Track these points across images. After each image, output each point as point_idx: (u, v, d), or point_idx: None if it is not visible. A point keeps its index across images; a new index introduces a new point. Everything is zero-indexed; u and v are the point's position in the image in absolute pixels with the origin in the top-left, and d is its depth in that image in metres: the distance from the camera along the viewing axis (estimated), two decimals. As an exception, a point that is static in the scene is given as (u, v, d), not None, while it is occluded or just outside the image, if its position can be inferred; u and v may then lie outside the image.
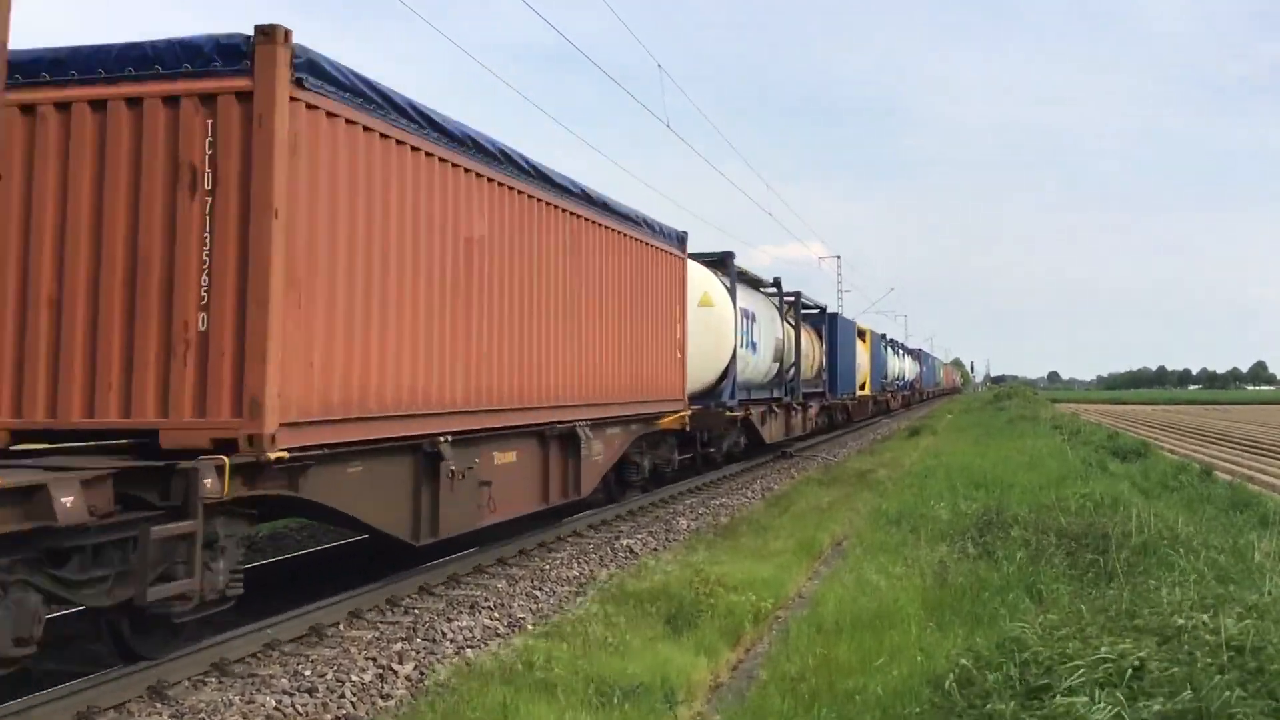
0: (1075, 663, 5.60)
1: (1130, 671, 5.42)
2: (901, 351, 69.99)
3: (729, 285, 21.79)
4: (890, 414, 60.56)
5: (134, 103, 7.79)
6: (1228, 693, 5.08)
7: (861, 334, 45.44)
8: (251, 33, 7.67)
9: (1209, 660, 5.44)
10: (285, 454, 7.62)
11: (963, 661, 6.13)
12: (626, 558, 12.97)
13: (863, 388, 44.08)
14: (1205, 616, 6.15)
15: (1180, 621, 6.08)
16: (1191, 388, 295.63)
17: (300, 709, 6.99)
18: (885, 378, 54.91)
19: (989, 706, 5.39)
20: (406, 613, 9.79)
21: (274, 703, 7.06)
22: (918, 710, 5.95)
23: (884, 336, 57.55)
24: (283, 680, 7.57)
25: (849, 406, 40.63)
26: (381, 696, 7.36)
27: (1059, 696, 5.29)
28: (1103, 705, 5.06)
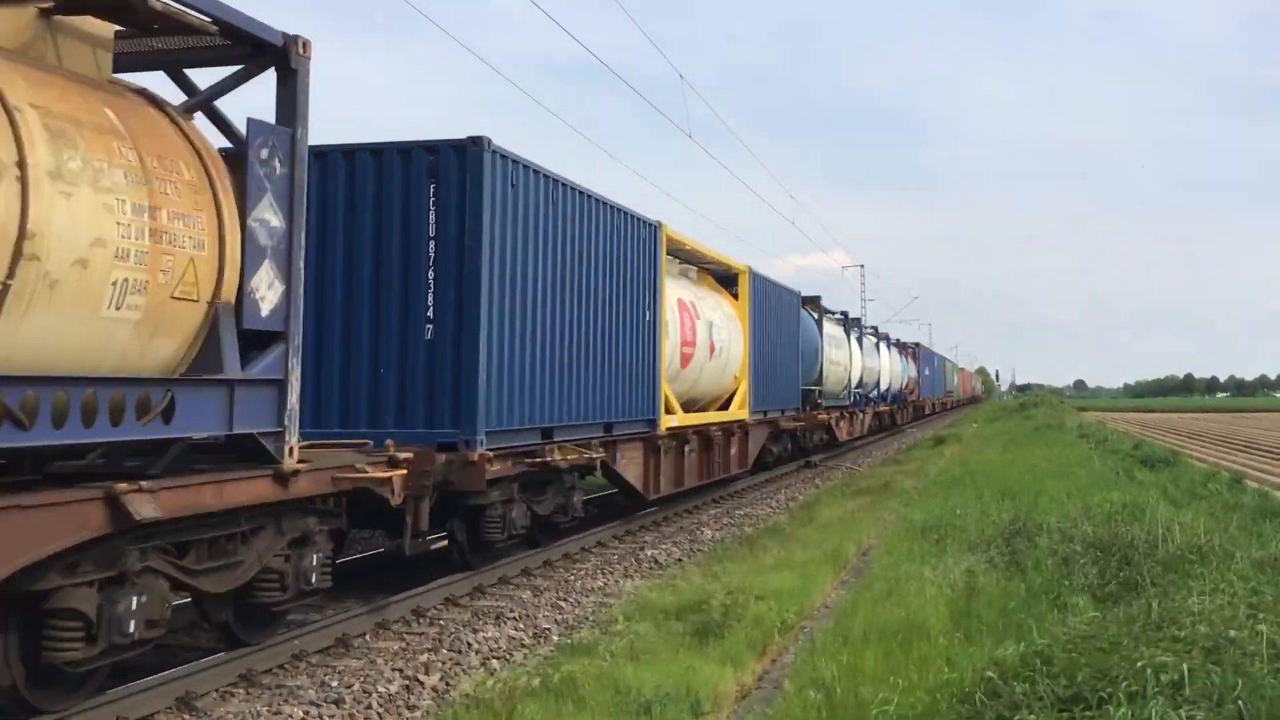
0: (1111, 673, 5.55)
1: (1169, 682, 5.37)
2: (877, 343, 42.87)
3: None
4: (835, 450, 33.65)
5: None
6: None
7: (726, 280, 22.01)
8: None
9: (1260, 670, 5.38)
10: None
11: (989, 673, 6.09)
12: (651, 568, 12.96)
13: (722, 403, 20.70)
14: (1251, 626, 6.09)
15: (1231, 633, 6.01)
16: (1219, 395, 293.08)
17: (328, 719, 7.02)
18: (822, 382, 29.42)
19: (1018, 718, 5.35)
20: (432, 624, 9.81)
21: (301, 713, 7.08)
22: (945, 722, 5.90)
23: (814, 301, 30.36)
24: (310, 691, 7.60)
25: (585, 462, 13.36)
26: (408, 707, 7.38)
27: (1094, 708, 5.25)
28: (1147, 714, 5.01)
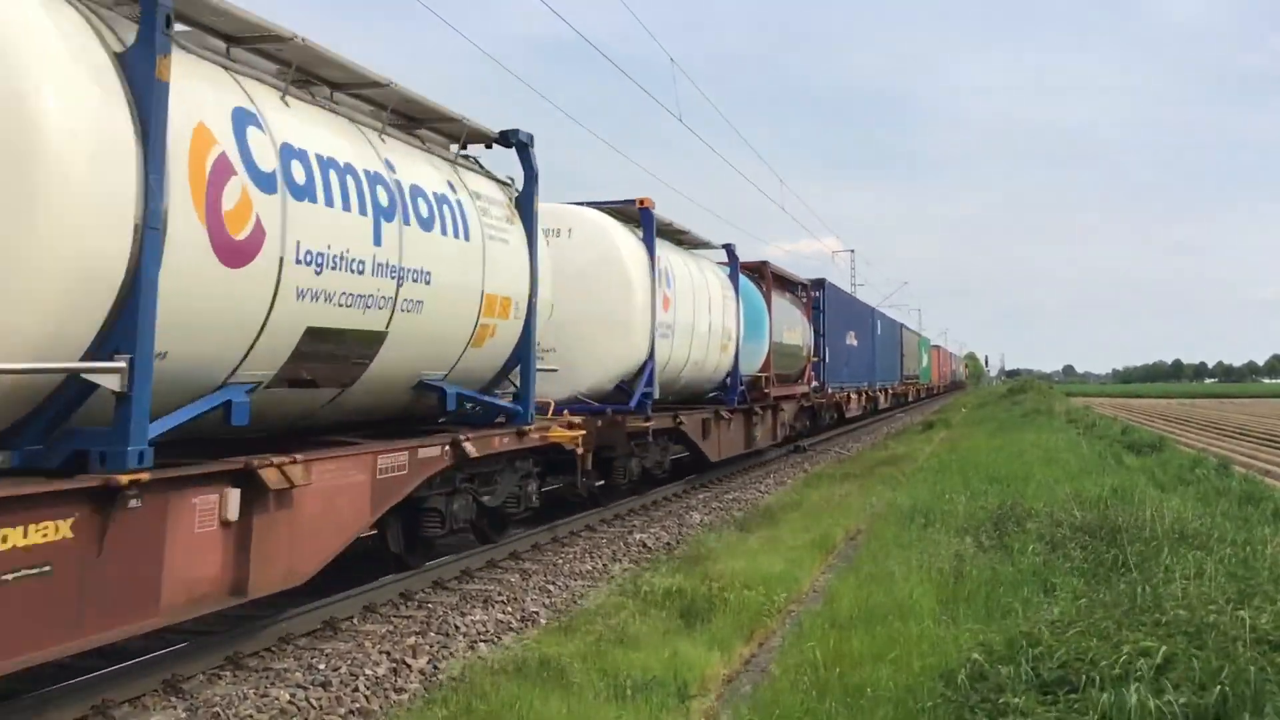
0: (1094, 657, 5.57)
1: (1153, 666, 5.40)
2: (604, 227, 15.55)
3: None
4: None
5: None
6: (1264, 685, 5.06)
7: None
8: None
9: (1243, 654, 5.41)
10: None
11: (974, 656, 6.11)
12: (640, 552, 12.97)
13: None
14: (1235, 610, 6.12)
15: (1211, 617, 6.04)
16: (1208, 381, 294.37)
17: (314, 702, 7.01)
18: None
19: (1002, 700, 5.37)
20: (420, 607, 9.81)
21: (288, 696, 7.08)
22: (930, 704, 5.92)
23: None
24: (297, 674, 7.59)
25: None
26: (395, 690, 7.38)
27: (1078, 691, 5.28)
28: (1129, 698, 5.04)
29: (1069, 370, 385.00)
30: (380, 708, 7.05)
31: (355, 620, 9.20)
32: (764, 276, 24.51)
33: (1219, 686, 5.09)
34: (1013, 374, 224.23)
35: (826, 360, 31.30)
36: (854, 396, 37.06)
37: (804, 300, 29.48)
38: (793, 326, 26.84)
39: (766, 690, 6.90)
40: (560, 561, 12.12)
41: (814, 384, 29.73)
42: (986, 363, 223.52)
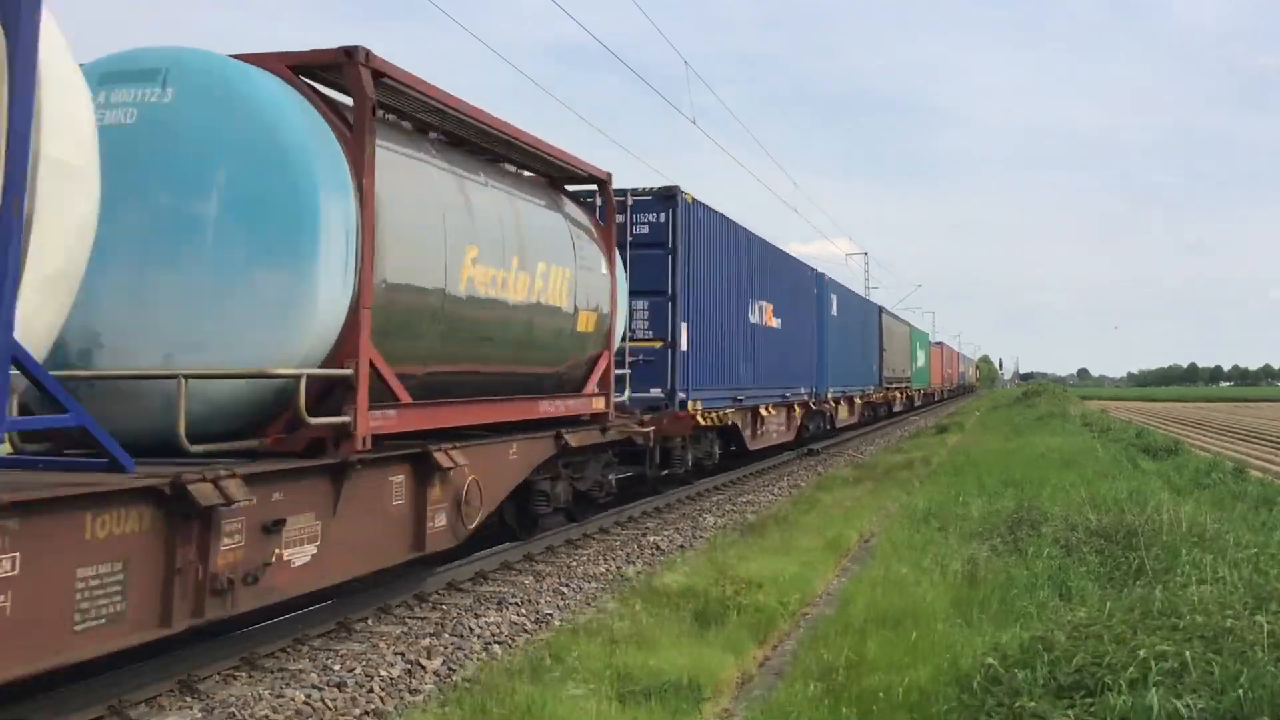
0: (1111, 661, 5.56)
1: (1170, 670, 5.38)
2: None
3: None
4: None
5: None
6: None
7: None
8: None
9: (1260, 658, 5.39)
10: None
11: (989, 660, 6.10)
12: (653, 554, 12.98)
13: None
14: (1252, 615, 6.10)
15: (1228, 622, 6.02)
16: (1223, 384, 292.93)
17: (329, 703, 7.03)
18: None
19: (1018, 704, 5.36)
20: (434, 608, 9.83)
21: (303, 697, 7.10)
22: (945, 708, 5.91)
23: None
24: (312, 675, 7.62)
25: None
26: (410, 691, 7.39)
27: (1095, 695, 5.26)
28: (1147, 702, 5.02)
29: (1083, 373, 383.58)
30: (395, 709, 7.06)
31: (370, 621, 9.23)
32: (360, 93, 7.85)
33: (1237, 691, 5.07)
34: (1027, 377, 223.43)
35: (687, 348, 17.15)
36: (770, 412, 22.77)
37: (601, 220, 13.50)
38: (535, 255, 10.93)
39: (781, 694, 6.89)
40: (574, 564, 12.13)
41: (655, 393, 16.47)
42: (1000, 365, 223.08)
